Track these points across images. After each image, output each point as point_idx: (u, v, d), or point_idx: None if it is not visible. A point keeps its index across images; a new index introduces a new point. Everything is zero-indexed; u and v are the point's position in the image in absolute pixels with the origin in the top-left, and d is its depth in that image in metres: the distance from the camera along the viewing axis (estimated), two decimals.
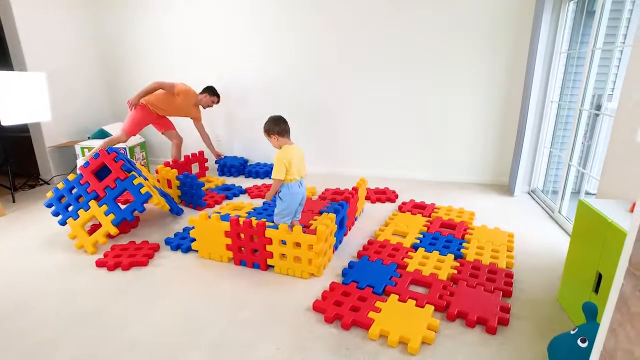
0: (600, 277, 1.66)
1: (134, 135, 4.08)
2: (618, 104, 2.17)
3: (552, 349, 1.43)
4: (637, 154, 1.98)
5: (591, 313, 1.37)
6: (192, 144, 4.97)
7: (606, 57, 3.07)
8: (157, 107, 4.00)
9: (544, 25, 3.22)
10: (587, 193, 3.04)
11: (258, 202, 3.63)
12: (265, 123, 2.52)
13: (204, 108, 4.20)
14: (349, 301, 2.02)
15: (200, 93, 4.13)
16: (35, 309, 2.09)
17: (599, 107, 3.01)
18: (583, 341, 1.31)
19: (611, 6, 2.63)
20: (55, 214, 2.85)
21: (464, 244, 2.67)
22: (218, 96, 4.17)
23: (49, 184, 4.32)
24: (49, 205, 2.86)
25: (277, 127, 2.49)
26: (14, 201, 3.76)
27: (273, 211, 3.25)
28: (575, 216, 1.91)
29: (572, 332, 1.38)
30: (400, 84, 4.13)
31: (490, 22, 3.70)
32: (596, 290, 1.68)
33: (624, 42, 2.78)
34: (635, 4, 2.80)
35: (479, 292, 2.10)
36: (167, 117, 4.23)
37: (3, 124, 3.49)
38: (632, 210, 1.69)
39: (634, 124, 1.99)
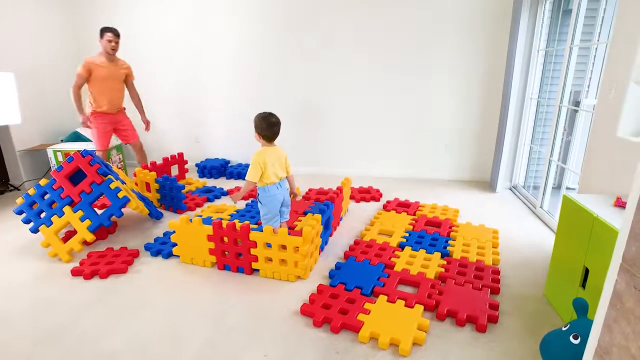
0: (587, 271, 1.67)
1: (107, 147, 3.73)
2: (598, 100, 2.20)
3: (544, 346, 1.43)
4: (617, 149, 2.01)
5: (582, 309, 1.37)
6: (170, 146, 4.85)
7: (583, 54, 3.13)
8: (101, 104, 3.53)
9: (522, 24, 3.26)
10: (568, 188, 3.10)
11: (241, 204, 3.55)
12: (257, 116, 2.36)
13: (111, 53, 3.46)
14: (338, 304, 1.98)
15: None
16: (7, 322, 1.96)
17: (577, 103, 3.07)
18: (575, 337, 1.31)
19: (587, 5, 2.69)
20: (27, 221, 2.70)
21: (450, 242, 2.68)
22: (108, 30, 3.40)
23: (19, 189, 4.11)
24: (19, 212, 2.71)
25: (264, 129, 2.34)
26: None
27: (257, 213, 3.20)
28: (559, 211, 1.93)
29: (563, 329, 1.38)
30: (381, 83, 4.12)
31: (469, 21, 3.74)
32: (583, 285, 1.70)
33: (598, 40, 2.85)
34: (608, 2, 2.86)
35: (467, 290, 2.09)
36: (124, 115, 3.77)
37: None
38: (615, 205, 1.71)
39: (614, 119, 2.03)
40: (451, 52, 3.86)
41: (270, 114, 2.36)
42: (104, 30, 3.42)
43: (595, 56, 3.10)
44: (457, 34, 3.80)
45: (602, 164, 2.14)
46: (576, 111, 2.98)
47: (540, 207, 3.19)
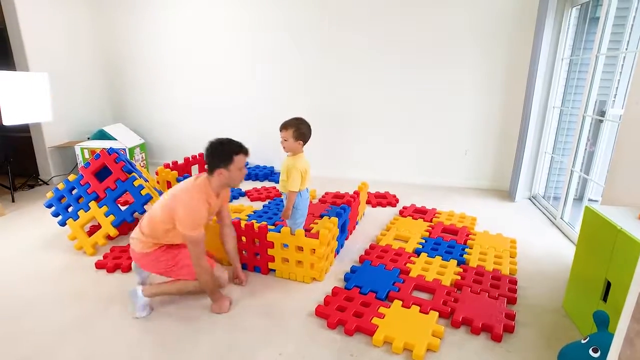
0: (608, 285, 1.64)
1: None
2: (625, 110, 2.16)
3: (562, 358, 1.41)
4: None
5: (602, 322, 1.35)
6: (193, 145, 4.96)
7: (610, 63, 3.07)
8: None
9: (547, 32, 3.22)
10: (590, 200, 3.02)
11: (258, 205, 3.60)
12: (299, 125, 2.33)
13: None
14: (352, 306, 1.99)
15: None
16: (35, 310, 2.06)
17: (602, 113, 3.01)
18: (595, 351, 1.29)
19: (616, 12, 2.64)
20: (55, 215, 2.82)
21: (467, 250, 2.66)
22: (242, 149, 2.03)
23: (47, 184, 4.28)
24: (49, 206, 2.83)
25: (306, 135, 2.37)
26: (13, 201, 3.72)
27: (274, 214, 3.25)
28: (581, 223, 1.90)
29: (583, 342, 1.36)
30: (400, 89, 4.12)
31: (492, 28, 3.70)
32: (604, 299, 1.66)
33: (627, 48, 2.78)
34: (638, 10, 2.80)
35: (483, 299, 2.07)
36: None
37: (5, 123, 3.47)
38: None
39: None
40: (473, 58, 3.84)
41: (305, 120, 2.40)
42: (235, 152, 1.98)
43: (623, 65, 3.03)
44: (479, 40, 3.77)
45: (628, 175, 2.09)
46: (601, 121, 2.92)
47: (561, 218, 3.13)
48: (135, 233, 2.07)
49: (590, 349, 1.31)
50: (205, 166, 2.02)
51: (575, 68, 3.39)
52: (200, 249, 1.94)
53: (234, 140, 2.01)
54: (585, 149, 3.00)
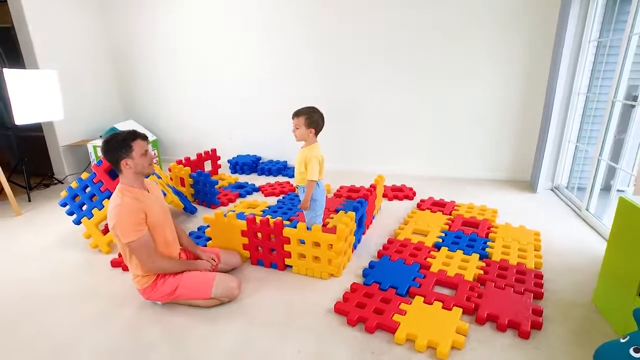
0: None
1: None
2: None
3: (599, 357, 1.32)
4: None
5: None
6: (205, 141, 4.94)
7: None
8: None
9: (573, 12, 3.04)
10: (618, 190, 2.89)
11: (272, 200, 3.56)
12: (311, 112, 2.29)
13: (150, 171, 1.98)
14: (372, 303, 1.93)
15: None
16: (52, 308, 2.06)
17: (634, 98, 2.84)
18: (636, 351, 1.20)
19: None
20: (70, 213, 2.82)
21: (489, 243, 2.56)
22: (137, 135, 1.90)
23: (62, 183, 4.32)
24: (64, 205, 2.83)
25: (320, 124, 2.33)
26: (29, 200, 3.76)
27: (289, 209, 3.20)
28: (614, 214, 1.79)
29: (622, 341, 1.27)
30: (417, 78, 4.00)
31: (513, 10, 3.53)
32: None
33: None
34: None
35: (508, 294, 1.99)
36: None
37: (17, 123, 3.48)
38: None
39: None
40: (491, 43, 3.67)
41: (318, 110, 2.35)
42: (132, 139, 1.87)
43: None
44: (498, 23, 3.59)
45: None
46: (632, 106, 2.76)
47: (586, 210, 3.00)
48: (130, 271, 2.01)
49: (631, 349, 1.23)
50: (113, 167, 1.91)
51: (603, 51, 3.20)
52: (148, 250, 1.86)
53: (126, 131, 1.90)
54: (614, 136, 2.84)
